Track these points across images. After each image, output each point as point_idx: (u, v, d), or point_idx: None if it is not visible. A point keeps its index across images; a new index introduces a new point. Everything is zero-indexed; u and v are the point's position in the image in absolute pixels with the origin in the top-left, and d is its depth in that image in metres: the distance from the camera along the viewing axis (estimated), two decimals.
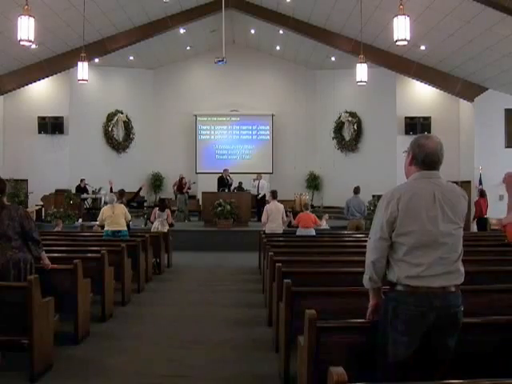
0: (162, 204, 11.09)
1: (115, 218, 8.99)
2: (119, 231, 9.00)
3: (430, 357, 2.70)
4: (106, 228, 9.16)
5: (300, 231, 9.87)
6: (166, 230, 10.56)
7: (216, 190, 15.53)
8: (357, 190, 10.99)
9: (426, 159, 2.79)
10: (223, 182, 15.83)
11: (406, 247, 2.70)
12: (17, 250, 4.55)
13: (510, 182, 3.18)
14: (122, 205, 9.28)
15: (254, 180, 16.70)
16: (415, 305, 2.64)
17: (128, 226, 9.61)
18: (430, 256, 2.66)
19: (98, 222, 10.02)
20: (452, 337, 2.71)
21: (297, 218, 10.18)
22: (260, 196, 16.29)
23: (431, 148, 2.79)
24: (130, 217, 9.41)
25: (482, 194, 12.90)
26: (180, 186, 16.74)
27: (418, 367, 2.68)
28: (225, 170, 16.16)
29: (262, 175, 17.01)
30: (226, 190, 15.50)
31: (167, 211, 10.88)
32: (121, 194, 10.52)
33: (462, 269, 2.77)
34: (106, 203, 9.54)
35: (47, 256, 5.09)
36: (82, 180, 16.44)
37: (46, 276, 4.90)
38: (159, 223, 10.68)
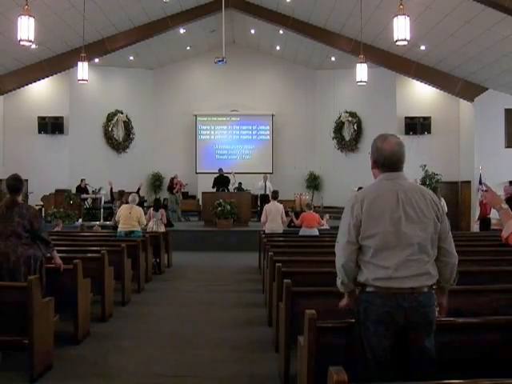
0: (157, 204, 11.14)
1: (130, 218, 9.03)
2: (132, 231, 9.04)
3: (408, 357, 2.69)
4: (119, 228, 9.22)
5: (304, 231, 9.86)
6: (161, 230, 10.56)
7: (213, 191, 15.54)
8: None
9: (385, 162, 2.80)
10: (222, 180, 15.78)
11: (372, 249, 2.70)
12: (27, 247, 4.56)
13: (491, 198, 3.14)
14: (140, 208, 9.25)
15: (261, 181, 16.64)
16: (384, 305, 2.64)
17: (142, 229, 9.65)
18: (396, 257, 2.65)
19: (111, 222, 10.00)
20: (427, 337, 2.69)
21: (300, 218, 10.17)
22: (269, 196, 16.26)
23: (388, 150, 2.80)
24: (145, 221, 9.41)
25: None
26: (171, 185, 16.73)
27: (397, 367, 2.68)
28: (220, 170, 16.16)
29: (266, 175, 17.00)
30: (226, 190, 15.48)
31: (161, 211, 10.91)
32: (121, 194, 10.54)
33: (434, 272, 2.73)
34: (127, 202, 9.56)
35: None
36: (82, 180, 16.44)
37: (47, 276, 4.90)
38: (154, 223, 10.71)
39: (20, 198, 4.71)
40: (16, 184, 4.67)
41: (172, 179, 16.85)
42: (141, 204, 17.85)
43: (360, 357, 2.75)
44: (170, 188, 16.73)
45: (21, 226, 4.52)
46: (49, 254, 4.87)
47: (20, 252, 4.50)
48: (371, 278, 2.69)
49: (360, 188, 10.96)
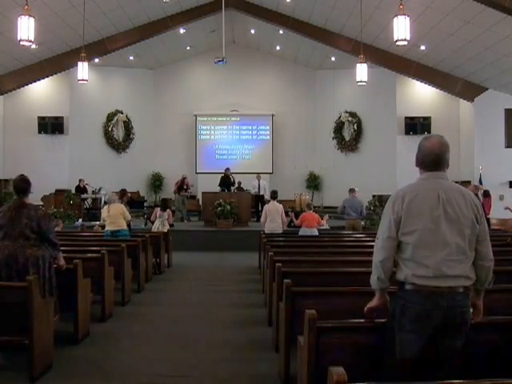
0: (164, 204, 11.11)
1: (112, 217, 8.97)
2: (118, 231, 8.98)
3: (436, 356, 2.70)
4: (105, 228, 9.20)
5: (303, 231, 9.85)
6: (166, 230, 10.57)
7: (218, 189, 15.52)
8: (351, 190, 11.10)
9: (424, 160, 2.82)
10: (228, 181, 15.77)
11: (410, 246, 2.70)
12: (36, 248, 4.55)
13: None
14: (121, 204, 9.22)
15: (254, 180, 16.67)
16: (422, 304, 2.64)
17: (129, 225, 9.59)
18: (436, 256, 2.66)
19: (100, 222, 10.01)
20: (459, 337, 2.71)
21: (300, 218, 10.17)
22: (263, 196, 16.27)
23: (428, 148, 2.81)
24: (129, 217, 9.27)
25: (486, 193, 12.76)
26: (181, 185, 16.71)
27: (424, 367, 2.69)
28: (227, 169, 16.13)
29: (261, 175, 16.99)
30: (226, 190, 15.48)
31: (168, 211, 10.90)
32: (122, 193, 10.52)
33: (472, 274, 2.73)
34: (128, 202, 9.56)
35: None
36: (80, 180, 16.42)
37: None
38: (160, 223, 10.69)
39: (28, 199, 4.70)
40: (23, 185, 4.65)
41: (183, 179, 16.75)
42: (141, 204, 18.00)
43: (388, 355, 2.74)
44: (180, 188, 16.62)
45: (29, 228, 4.51)
46: (54, 256, 4.86)
47: (28, 253, 4.49)
48: (410, 276, 2.68)
49: (351, 189, 11.05)
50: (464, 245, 2.70)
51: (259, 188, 16.27)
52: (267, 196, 15.91)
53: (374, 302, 2.89)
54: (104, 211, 9.21)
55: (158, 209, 11.03)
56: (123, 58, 17.88)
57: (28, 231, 4.50)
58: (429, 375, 2.65)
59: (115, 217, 8.94)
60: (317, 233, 9.86)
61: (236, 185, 16.22)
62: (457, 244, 2.68)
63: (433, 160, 2.80)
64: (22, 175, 4.75)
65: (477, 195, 12.34)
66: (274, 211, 9.95)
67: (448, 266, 2.65)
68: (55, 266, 4.88)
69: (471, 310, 2.77)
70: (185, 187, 16.60)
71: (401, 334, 2.69)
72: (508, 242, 7.50)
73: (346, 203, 10.96)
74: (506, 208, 11.50)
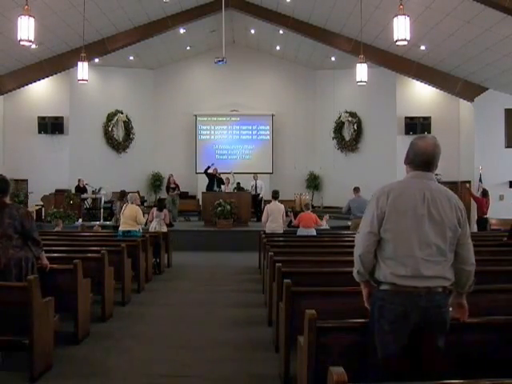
0: (161, 204, 11.15)
1: (126, 218, 9.05)
2: (129, 231, 9.03)
3: (419, 356, 2.69)
4: (119, 228, 9.28)
5: (301, 231, 9.86)
6: (163, 230, 10.58)
7: (213, 189, 15.58)
8: (356, 190, 11.03)
9: (415, 159, 2.83)
10: (212, 178, 15.82)
11: (391, 244, 2.70)
12: (18, 249, 4.54)
13: None
14: (137, 207, 9.21)
15: (252, 181, 16.68)
16: (400, 304, 2.64)
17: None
18: (415, 256, 2.65)
19: (112, 222, 9.94)
20: (440, 337, 2.70)
21: (298, 218, 10.17)
22: (259, 196, 16.30)
23: (422, 148, 2.82)
24: (142, 219, 9.25)
25: (485, 193, 12.60)
26: (168, 185, 16.75)
27: (407, 366, 2.68)
28: (213, 167, 16.17)
29: (259, 175, 16.98)
30: (218, 190, 15.46)
31: (165, 211, 10.93)
32: (122, 194, 10.54)
33: (450, 275, 2.72)
34: (105, 202, 9.55)
35: (47, 256, 5.11)
36: (79, 180, 16.43)
37: (46, 276, 4.91)
38: (157, 223, 10.72)
39: (8, 199, 4.65)
40: (3, 185, 4.59)
41: (169, 178, 16.84)
42: (141, 204, 17.97)
43: (370, 356, 2.74)
44: (168, 188, 16.70)
45: (11, 228, 4.48)
46: (38, 255, 4.84)
47: (11, 254, 4.48)
48: (389, 275, 2.68)
49: (356, 188, 11.01)
50: (444, 247, 2.69)
51: (256, 188, 16.29)
52: (262, 195, 16.02)
53: (363, 293, 2.93)
54: (123, 210, 9.26)
55: (155, 209, 11.08)
56: (123, 57, 17.86)
57: (11, 231, 4.48)
58: (414, 375, 2.65)
59: (129, 217, 8.99)
60: (314, 233, 9.85)
61: (234, 184, 16.24)
62: (437, 245, 2.68)
63: (425, 161, 2.81)
64: (1, 175, 4.70)
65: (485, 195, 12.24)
66: (275, 211, 9.93)
67: (426, 266, 2.65)
68: (39, 265, 4.87)
69: (451, 310, 2.76)
70: (172, 186, 16.60)
71: (380, 335, 2.69)
72: (503, 241, 7.49)
73: (351, 203, 10.88)
74: None
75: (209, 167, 16.15)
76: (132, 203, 9.09)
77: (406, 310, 2.63)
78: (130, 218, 8.98)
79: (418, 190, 2.74)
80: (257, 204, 16.06)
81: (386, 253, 2.72)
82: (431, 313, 2.64)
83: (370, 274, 2.82)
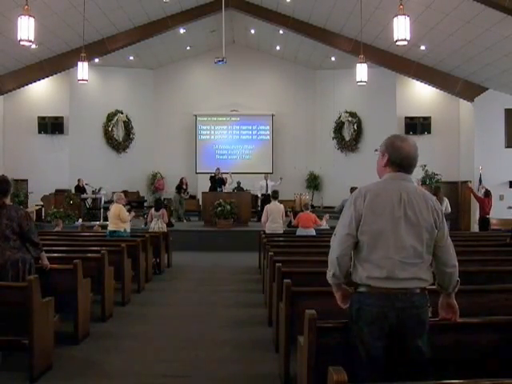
0: (157, 204, 11.20)
1: (111, 217, 9.13)
2: (114, 231, 9.06)
3: (403, 357, 2.68)
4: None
5: (300, 231, 9.86)
6: (163, 230, 10.59)
7: (212, 190, 15.56)
8: (354, 189, 11.01)
9: (402, 162, 2.80)
10: (215, 181, 15.83)
11: (366, 246, 2.68)
12: (16, 250, 4.53)
13: None
14: (119, 205, 9.22)
15: (262, 180, 16.62)
16: (377, 306, 2.63)
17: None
18: (391, 258, 2.64)
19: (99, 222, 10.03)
20: (420, 337, 2.68)
21: (297, 218, 10.17)
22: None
23: (405, 151, 2.80)
24: (125, 217, 9.15)
25: (487, 193, 12.54)
26: (180, 185, 16.75)
27: (392, 367, 2.67)
28: (217, 169, 16.18)
29: (269, 175, 16.99)
30: (219, 190, 15.47)
31: (162, 210, 10.99)
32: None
33: (426, 276, 2.70)
34: (128, 203, 9.65)
35: (47, 256, 5.10)
36: (79, 180, 16.43)
37: (46, 276, 4.91)
38: (155, 223, 10.77)
39: (8, 200, 4.62)
40: (3, 186, 4.56)
41: (181, 179, 16.81)
42: (141, 204, 18.00)
43: (355, 357, 2.74)
44: (179, 187, 16.67)
45: (9, 229, 4.46)
46: (37, 255, 4.83)
47: (7, 255, 4.46)
48: (365, 277, 2.67)
49: (353, 188, 10.99)
50: (421, 249, 2.68)
51: (267, 188, 16.25)
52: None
53: (337, 296, 2.87)
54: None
55: (153, 209, 11.13)
56: (123, 57, 17.87)
57: (8, 232, 4.46)
58: (401, 375, 2.64)
59: (113, 216, 9.02)
60: (314, 233, 9.85)
61: (233, 184, 16.22)
62: (414, 247, 2.66)
63: (408, 163, 2.80)
64: (3, 175, 4.68)
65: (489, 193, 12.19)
66: (275, 211, 9.94)
67: (402, 268, 2.64)
68: (39, 265, 4.86)
69: (430, 310, 2.74)
70: (184, 187, 16.62)
71: (360, 337, 2.69)
72: (507, 241, 7.49)
73: (345, 203, 10.85)
74: (510, 207, 11.42)
75: (215, 174, 16.10)
76: (116, 202, 9.14)
77: (383, 311, 2.62)
78: (115, 216, 9.03)
79: (395, 191, 2.73)
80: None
81: (363, 255, 2.71)
82: (408, 313, 2.63)
83: (344, 276, 2.80)
